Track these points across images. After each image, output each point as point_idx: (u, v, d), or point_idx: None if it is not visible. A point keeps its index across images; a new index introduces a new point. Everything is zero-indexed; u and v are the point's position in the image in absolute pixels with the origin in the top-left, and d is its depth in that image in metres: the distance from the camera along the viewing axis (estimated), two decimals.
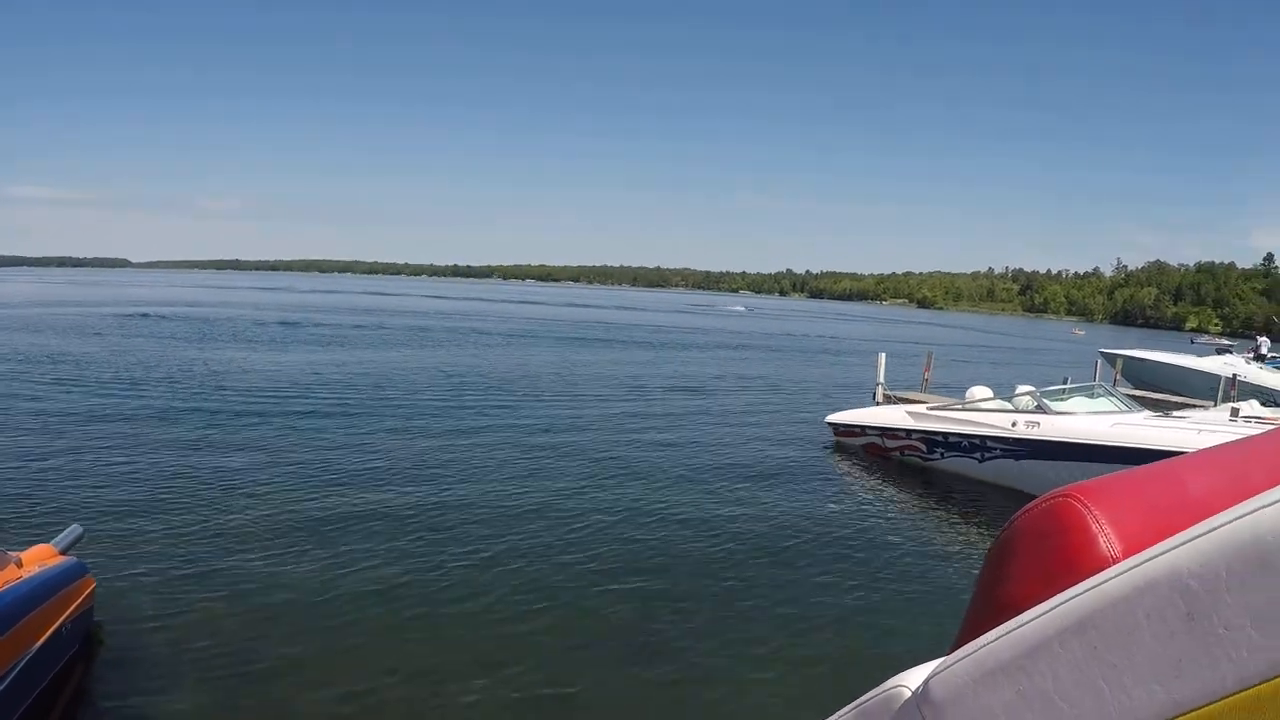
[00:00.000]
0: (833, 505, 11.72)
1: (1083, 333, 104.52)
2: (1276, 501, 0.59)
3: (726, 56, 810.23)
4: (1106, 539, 0.76)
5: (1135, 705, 0.64)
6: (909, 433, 14.71)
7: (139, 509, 9.65)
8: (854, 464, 14.80)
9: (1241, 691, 0.58)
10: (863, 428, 15.68)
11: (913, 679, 0.84)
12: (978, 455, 13.53)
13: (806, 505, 11.57)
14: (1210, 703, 0.60)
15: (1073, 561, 0.74)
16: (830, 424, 16.45)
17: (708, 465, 13.65)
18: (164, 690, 5.90)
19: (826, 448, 15.97)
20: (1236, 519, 0.61)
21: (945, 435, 14.09)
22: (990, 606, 0.81)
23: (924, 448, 14.46)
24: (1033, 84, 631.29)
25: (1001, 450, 13.17)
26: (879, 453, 15.23)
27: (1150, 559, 0.65)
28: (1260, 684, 0.57)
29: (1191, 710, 0.61)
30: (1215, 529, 0.62)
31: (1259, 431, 0.98)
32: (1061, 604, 0.70)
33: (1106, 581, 0.68)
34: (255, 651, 6.43)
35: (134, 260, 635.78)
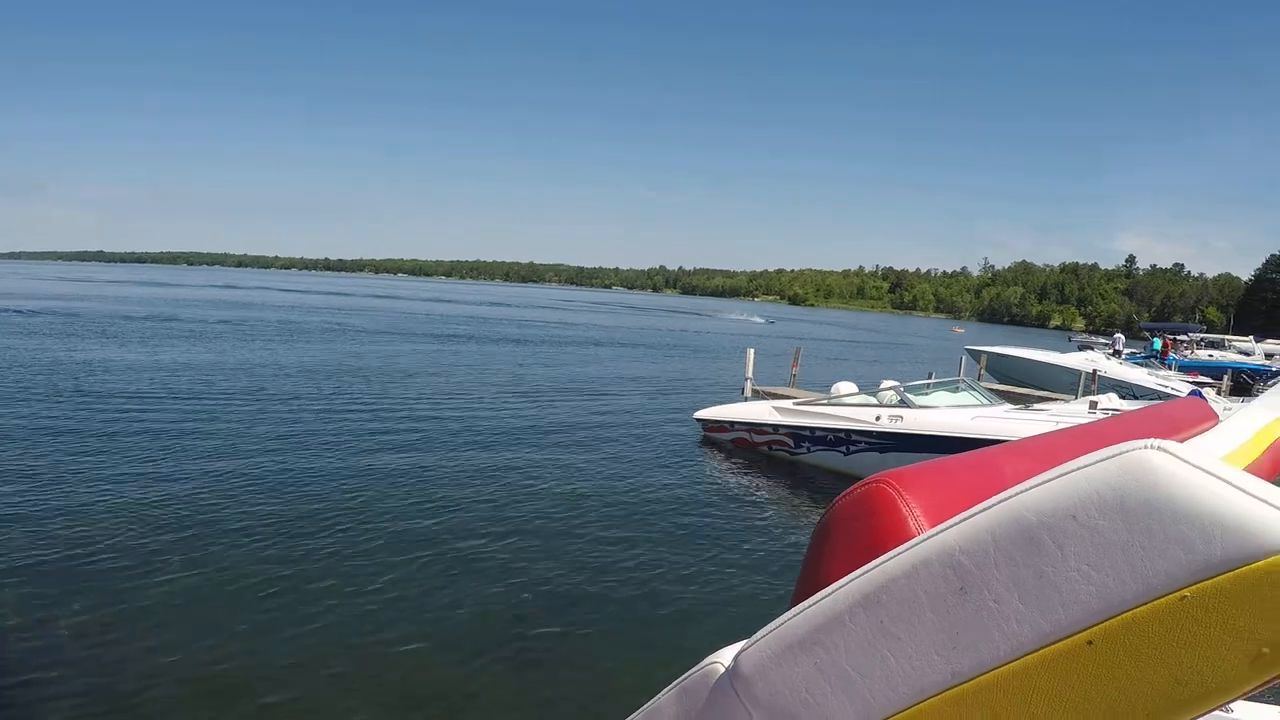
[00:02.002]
0: (699, 500, 11.87)
1: (962, 330, 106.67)
2: (1039, 484, 0.66)
3: (595, 56, 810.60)
4: (916, 521, 0.83)
5: (919, 675, 0.69)
6: (776, 428, 14.97)
7: None
8: (722, 459, 14.97)
9: (1014, 660, 0.64)
10: (731, 423, 15.88)
11: (727, 655, 0.90)
12: (843, 449, 13.86)
13: (673, 501, 11.70)
14: (986, 671, 0.65)
15: (883, 543, 0.79)
16: (699, 420, 16.62)
17: (577, 463, 13.67)
18: (28, 700, 5.68)
19: (696, 443, 16.11)
20: (1003, 500, 0.67)
21: (811, 430, 14.39)
22: (808, 587, 0.86)
23: (791, 442, 14.75)
24: (903, 86, 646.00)
25: (866, 443, 13.52)
26: (747, 447, 15.46)
27: (928, 538, 0.71)
28: (1030, 653, 0.63)
29: (970, 679, 0.66)
30: (984, 510, 0.68)
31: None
32: (851, 582, 0.76)
33: (890, 560, 0.73)
34: (124, 658, 6.25)
35: None
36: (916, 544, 0.72)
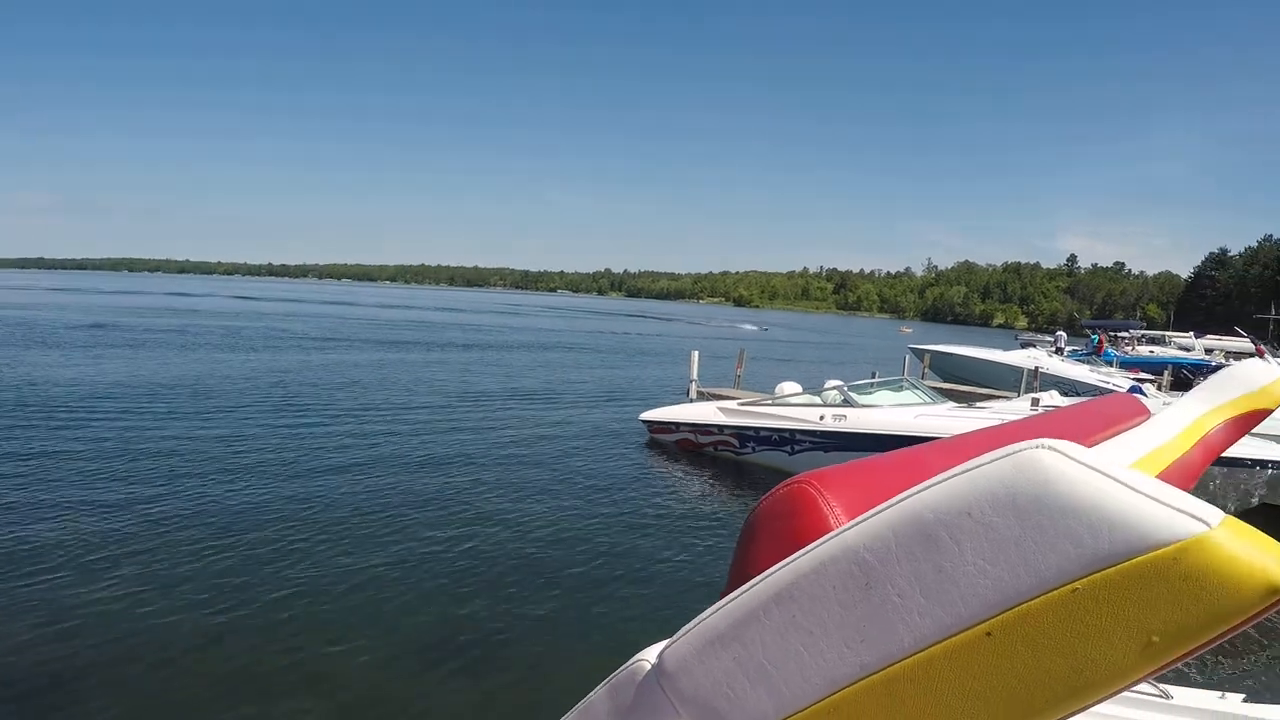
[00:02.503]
0: (643, 502, 11.89)
1: (910, 330, 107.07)
2: (938, 483, 0.69)
3: (537, 60, 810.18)
4: (836, 520, 0.86)
5: (830, 668, 0.71)
6: (721, 428, 15.04)
7: None
8: (667, 460, 15.02)
9: (919, 652, 0.67)
10: (676, 424, 15.94)
11: (653, 653, 0.92)
12: (788, 448, 13.94)
13: (618, 503, 11.73)
14: (893, 663, 0.68)
15: (804, 542, 0.80)
16: (644, 421, 16.67)
17: (524, 467, 13.66)
18: None
19: (642, 445, 16.18)
20: (904, 499, 0.70)
21: (756, 430, 14.49)
22: (734, 585, 0.87)
23: (736, 443, 14.83)
24: (847, 91, 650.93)
25: (810, 443, 13.62)
26: (693, 448, 15.53)
27: (835, 536, 0.74)
28: (933, 645, 0.66)
29: (878, 670, 0.69)
30: (887, 508, 0.71)
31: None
32: (766, 578, 0.78)
33: (801, 557, 0.76)
34: (65, 676, 6.16)
35: None
36: (825, 541, 0.75)
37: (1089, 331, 43.18)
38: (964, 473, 0.68)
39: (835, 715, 0.72)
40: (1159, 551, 0.59)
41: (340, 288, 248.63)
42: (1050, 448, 0.66)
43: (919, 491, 0.70)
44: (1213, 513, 0.60)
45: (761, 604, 0.77)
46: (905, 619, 0.68)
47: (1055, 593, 0.62)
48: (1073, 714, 0.64)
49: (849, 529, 0.73)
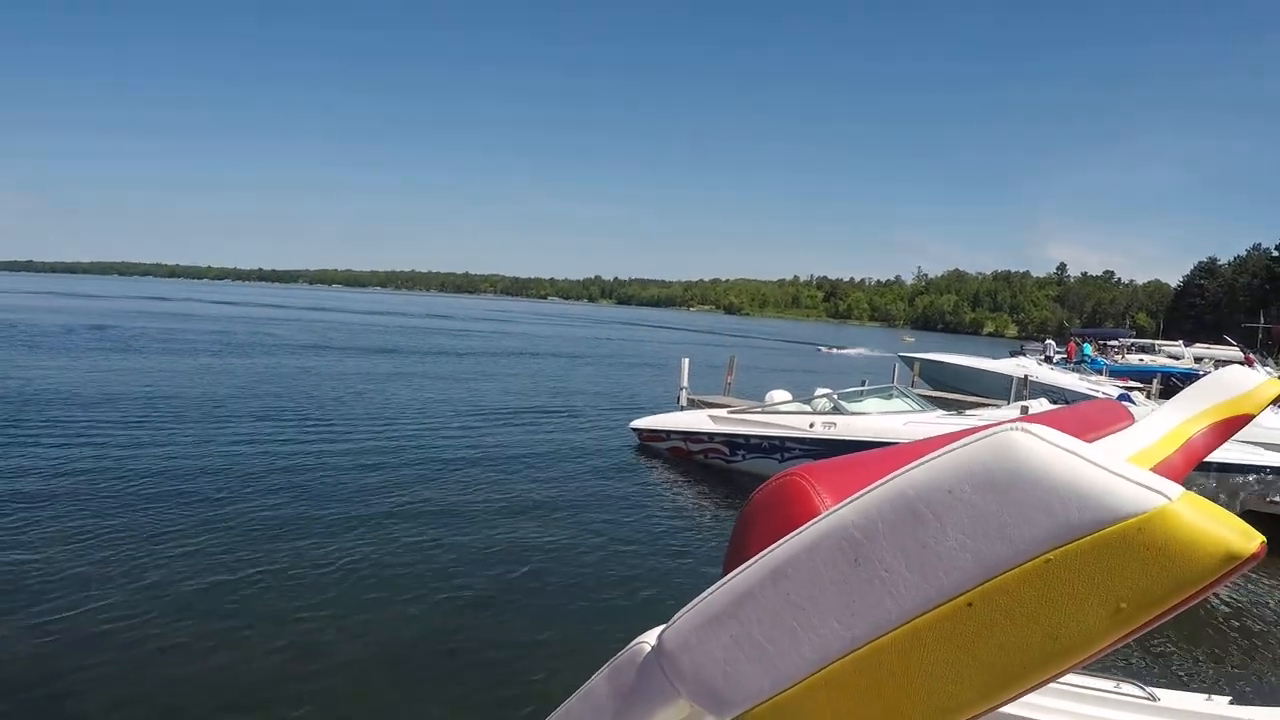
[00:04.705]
0: (634, 508, 11.96)
1: (913, 339, 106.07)
2: (921, 464, 0.74)
3: (523, 65, 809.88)
4: (825, 509, 0.89)
5: (822, 642, 0.76)
6: (711, 436, 15.11)
7: None
8: (658, 468, 15.10)
9: (905, 624, 0.71)
10: (666, 432, 16.03)
11: (653, 636, 0.96)
12: (778, 456, 13.98)
13: (609, 509, 11.81)
14: (881, 635, 0.73)
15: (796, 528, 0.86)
16: (635, 429, 16.76)
17: (517, 474, 13.74)
18: None
19: (633, 453, 16.24)
20: (890, 480, 0.76)
21: (746, 438, 14.54)
22: (729, 571, 0.92)
23: (726, 450, 14.88)
24: (836, 99, 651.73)
25: (800, 450, 13.65)
26: (683, 456, 15.58)
27: (826, 517, 0.80)
28: (918, 616, 0.71)
29: (867, 643, 0.74)
30: (874, 489, 0.77)
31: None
32: (760, 559, 0.84)
33: (794, 538, 0.82)
34: (48, 677, 6.20)
35: None
36: (816, 522, 0.80)
37: (1076, 340, 43.36)
38: (945, 454, 0.73)
39: (827, 688, 0.76)
40: (1125, 523, 0.63)
41: (330, 294, 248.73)
42: (1024, 429, 0.70)
43: (904, 472, 0.75)
44: (1173, 487, 0.64)
45: (758, 582, 0.82)
46: (892, 592, 0.72)
47: (1030, 564, 0.66)
48: (1049, 680, 0.68)
49: (839, 509, 0.78)
